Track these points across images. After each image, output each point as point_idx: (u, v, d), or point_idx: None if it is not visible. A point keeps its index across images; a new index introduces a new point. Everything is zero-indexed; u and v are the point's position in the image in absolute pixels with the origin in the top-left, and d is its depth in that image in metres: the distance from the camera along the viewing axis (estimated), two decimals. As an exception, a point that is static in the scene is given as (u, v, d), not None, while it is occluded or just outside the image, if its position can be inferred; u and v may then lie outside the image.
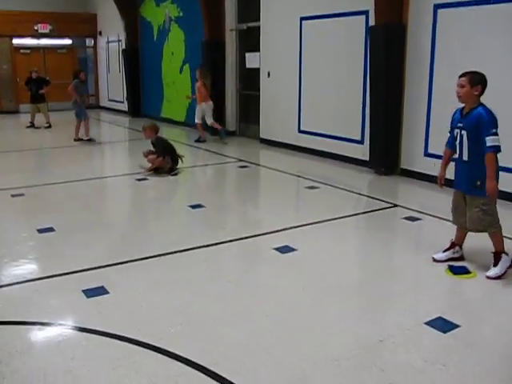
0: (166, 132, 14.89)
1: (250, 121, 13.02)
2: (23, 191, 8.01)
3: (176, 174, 8.94)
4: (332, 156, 10.15)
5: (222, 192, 8.59)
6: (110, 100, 20.73)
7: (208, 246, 5.49)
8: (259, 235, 5.86)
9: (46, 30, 20.50)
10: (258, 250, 5.49)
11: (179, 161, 9.10)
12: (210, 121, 12.58)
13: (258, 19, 11.86)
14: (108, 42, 20.30)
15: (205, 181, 9.24)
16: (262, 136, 12.11)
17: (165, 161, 8.88)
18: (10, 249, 5.48)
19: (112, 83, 20.37)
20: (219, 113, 13.22)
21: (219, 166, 10.16)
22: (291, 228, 6.08)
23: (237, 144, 12.64)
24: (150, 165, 9.00)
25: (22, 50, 20.85)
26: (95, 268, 4.88)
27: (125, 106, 18.88)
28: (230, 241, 5.66)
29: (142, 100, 18.01)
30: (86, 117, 12.93)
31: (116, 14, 18.03)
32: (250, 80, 12.78)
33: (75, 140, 12.88)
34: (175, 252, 5.31)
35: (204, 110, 12.50)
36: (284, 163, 9.98)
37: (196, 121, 12.67)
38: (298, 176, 9.12)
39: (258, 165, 10.14)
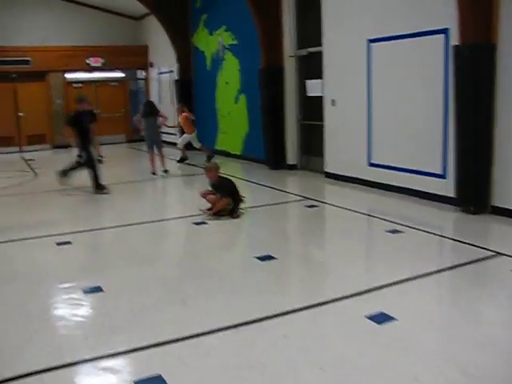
0: (222, 165, 14.22)
1: (313, 153, 12.10)
2: (70, 238, 7.32)
3: (238, 216, 8.08)
4: (408, 191, 9.09)
5: (291, 238, 7.55)
6: (161, 132, 20.13)
7: (284, 313, 4.56)
8: (345, 298, 4.89)
9: (98, 64, 20.23)
10: (347, 320, 4.47)
11: (241, 201, 8.28)
12: (199, 145, 14.51)
13: (320, 44, 11.02)
14: (160, 73, 19.84)
15: (270, 224, 8.15)
16: (326, 170, 11.16)
17: (228, 203, 8.06)
18: (46, 320, 4.68)
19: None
20: (278, 144, 12.40)
21: (283, 206, 9.23)
22: (382, 287, 5.08)
23: (299, 179, 11.76)
24: (208, 205, 8.20)
25: (74, 84, 20.59)
26: (154, 346, 4.02)
27: (178, 139, 18.23)
28: (310, 307, 4.71)
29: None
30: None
31: (167, 45, 17.52)
32: (312, 109, 11.91)
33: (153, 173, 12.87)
34: (245, 324, 4.40)
35: (191, 139, 14.46)
36: (354, 200, 8.98)
37: (179, 146, 14.71)
38: (374, 216, 8.12)
39: (326, 203, 9.14)
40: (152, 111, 13.44)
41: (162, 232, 7.94)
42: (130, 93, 21.72)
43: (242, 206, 8.24)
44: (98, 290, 5.28)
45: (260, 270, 5.81)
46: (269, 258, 6.12)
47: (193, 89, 17.20)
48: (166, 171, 12.82)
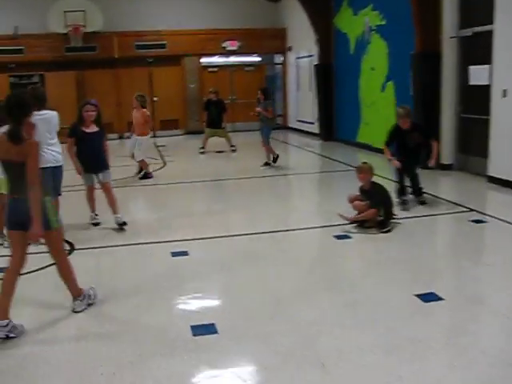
0: (363, 160, 12.80)
1: (473, 152, 10.28)
2: (187, 247, 6.31)
3: (389, 231, 6.66)
4: None
5: (461, 268, 5.69)
6: (298, 121, 18.96)
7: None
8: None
9: (235, 47, 19.32)
10: None
11: (392, 217, 6.89)
12: (140, 157, 11.13)
13: (490, 21, 9.20)
14: (298, 58, 18.58)
15: (429, 244, 6.54)
16: (491, 173, 9.36)
17: (377, 213, 6.68)
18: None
19: (301, 102, 18.59)
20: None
21: (441, 218, 7.60)
22: None
23: (455, 182, 10.04)
24: (353, 213, 6.86)
25: (209, 69, 19.89)
26: None
27: (315, 128, 16.95)
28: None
29: (335, 122, 15.94)
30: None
31: (307, 28, 16.22)
32: (475, 101, 10.11)
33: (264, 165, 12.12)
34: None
35: (140, 144, 11.14)
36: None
37: (137, 159, 11.21)
38: None
39: (497, 218, 7.22)
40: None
41: (293, 246, 6.62)
42: (267, 78, 20.66)
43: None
44: (211, 330, 4.14)
45: (422, 318, 4.38)
46: (433, 297, 4.68)
47: (333, 75, 15.76)
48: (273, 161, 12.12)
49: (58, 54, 18.10)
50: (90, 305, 4.74)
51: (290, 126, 19.83)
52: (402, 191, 7.98)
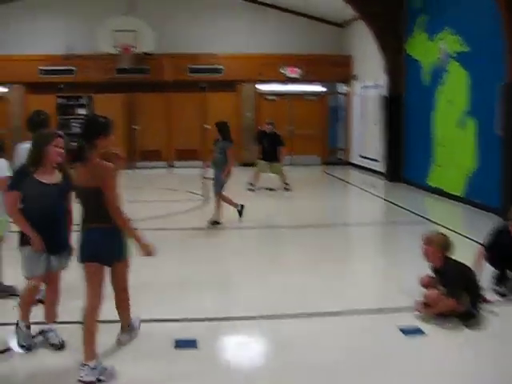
0: (435, 209, 10.97)
1: None
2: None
3: (476, 323, 4.85)
4: None
5: None
6: (361, 157, 17.18)
7: None
8: None
9: (295, 75, 17.84)
10: None
11: (481, 301, 5.11)
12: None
13: None
14: (364, 88, 16.89)
15: None
16: None
17: (457, 303, 4.89)
18: None
19: (366, 137, 16.81)
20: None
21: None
22: None
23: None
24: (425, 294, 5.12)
25: (267, 97, 18.46)
26: None
27: (380, 166, 15.17)
28: None
29: (403, 160, 14.12)
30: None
31: (375, 55, 14.61)
32: None
33: None
34: None
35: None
36: None
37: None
38: None
39: None
40: None
41: (338, 346, 4.75)
42: (329, 109, 19.03)
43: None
44: None
45: None
46: None
47: (403, 108, 14.01)
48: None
49: (108, 75, 17.12)
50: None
51: (352, 161, 18.06)
52: (501, 278, 5.82)
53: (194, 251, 7.70)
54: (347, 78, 18.15)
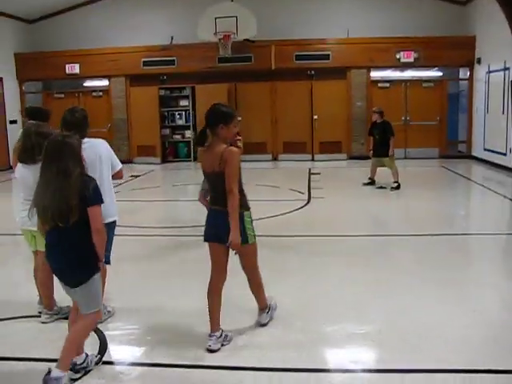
0: None
1: None
2: None
3: None
4: None
5: None
6: (486, 150, 15.33)
7: None
8: None
9: (410, 59, 16.24)
10: None
11: None
12: None
13: None
14: (489, 72, 15.05)
15: None
16: None
17: None
18: None
19: (492, 127, 14.95)
20: None
21: None
22: None
23: None
24: None
25: (379, 84, 16.99)
26: None
27: (509, 161, 13.40)
28: None
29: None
30: None
31: (503, 34, 12.85)
32: None
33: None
34: None
35: None
36: None
37: None
38: None
39: None
40: None
41: None
42: (449, 96, 17.25)
43: None
44: None
45: None
46: None
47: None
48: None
49: (209, 65, 16.40)
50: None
51: (475, 155, 16.24)
52: None
53: (278, 268, 6.64)
54: (469, 62, 16.27)
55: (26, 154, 4.64)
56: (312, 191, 11.42)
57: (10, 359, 4.26)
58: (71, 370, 3.84)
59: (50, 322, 4.91)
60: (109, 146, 4.84)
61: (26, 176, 4.66)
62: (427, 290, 5.60)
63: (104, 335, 4.59)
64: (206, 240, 4.46)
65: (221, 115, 4.30)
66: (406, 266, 6.50)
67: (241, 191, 4.31)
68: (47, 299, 4.93)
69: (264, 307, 4.79)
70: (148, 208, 10.81)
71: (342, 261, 6.71)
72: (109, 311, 4.94)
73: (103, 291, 4.63)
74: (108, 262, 4.79)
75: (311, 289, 5.77)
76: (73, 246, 3.69)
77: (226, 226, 4.21)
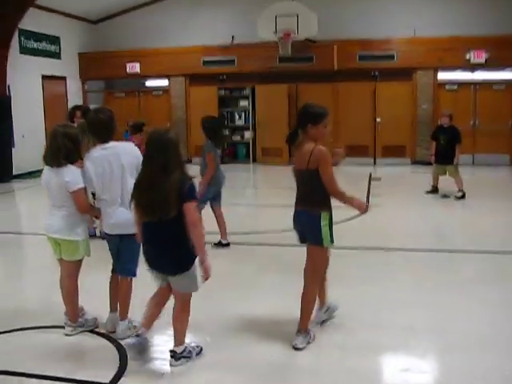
0: None
1: None
2: None
3: None
4: None
5: None
6: None
7: None
8: None
9: (481, 60, 15.34)
10: None
11: None
12: None
13: None
14: None
15: None
16: None
17: None
18: None
19: None
20: None
21: None
22: None
23: None
24: None
25: (447, 86, 16.18)
26: None
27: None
28: None
29: None
30: None
31: None
32: None
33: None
34: None
35: None
36: None
37: None
38: None
39: None
40: None
41: None
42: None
43: None
44: None
45: None
46: None
47: None
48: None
49: (270, 65, 16.04)
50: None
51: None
52: None
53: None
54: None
55: (52, 157, 4.41)
56: (371, 198, 10.86)
57: (16, 374, 4.03)
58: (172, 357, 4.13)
59: (74, 334, 4.67)
60: (138, 152, 4.51)
61: (49, 181, 4.47)
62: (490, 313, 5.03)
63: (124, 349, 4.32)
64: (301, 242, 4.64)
65: (308, 115, 4.42)
66: (465, 286, 5.92)
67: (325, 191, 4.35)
68: (71, 311, 4.69)
69: (302, 329, 4.50)
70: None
71: (394, 278, 6.19)
72: (135, 326, 4.61)
73: (128, 304, 4.42)
74: (134, 274, 4.50)
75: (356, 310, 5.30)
76: (169, 240, 3.91)
77: (307, 226, 4.46)
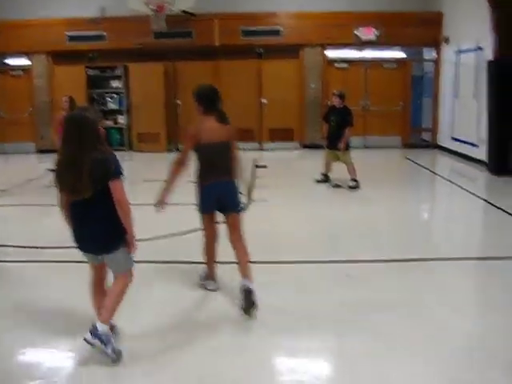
0: None
1: None
2: None
3: None
4: None
5: None
6: (454, 139, 13.72)
7: None
8: None
9: (371, 36, 14.52)
10: None
11: None
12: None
13: None
14: (458, 52, 13.38)
15: None
16: None
17: None
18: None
19: (461, 114, 13.33)
20: None
21: None
22: None
23: None
24: None
25: (336, 64, 15.23)
26: None
27: (480, 153, 11.78)
28: None
29: (514, 147, 10.75)
30: None
31: (475, 11, 11.33)
32: None
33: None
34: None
35: None
36: None
37: None
38: None
39: None
40: None
41: None
42: (412, 79, 15.56)
43: None
44: None
45: None
46: None
47: (516, 76, 10.62)
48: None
49: (144, 40, 14.41)
50: None
51: (441, 144, 14.65)
52: None
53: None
54: (436, 41, 14.65)
55: None
56: (255, 190, 9.56)
57: None
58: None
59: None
60: None
61: None
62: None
63: None
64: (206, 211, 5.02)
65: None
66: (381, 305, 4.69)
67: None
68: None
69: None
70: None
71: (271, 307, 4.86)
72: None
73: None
74: None
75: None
76: (97, 219, 3.89)
77: (230, 195, 5.03)
